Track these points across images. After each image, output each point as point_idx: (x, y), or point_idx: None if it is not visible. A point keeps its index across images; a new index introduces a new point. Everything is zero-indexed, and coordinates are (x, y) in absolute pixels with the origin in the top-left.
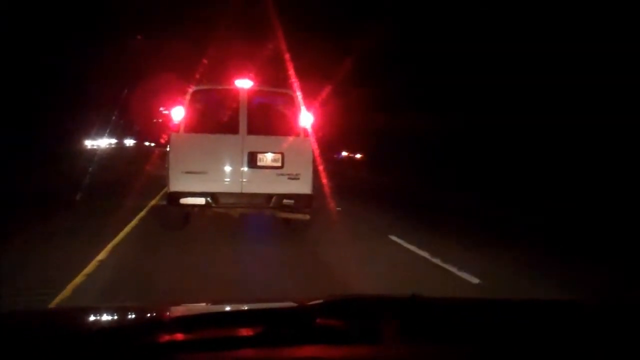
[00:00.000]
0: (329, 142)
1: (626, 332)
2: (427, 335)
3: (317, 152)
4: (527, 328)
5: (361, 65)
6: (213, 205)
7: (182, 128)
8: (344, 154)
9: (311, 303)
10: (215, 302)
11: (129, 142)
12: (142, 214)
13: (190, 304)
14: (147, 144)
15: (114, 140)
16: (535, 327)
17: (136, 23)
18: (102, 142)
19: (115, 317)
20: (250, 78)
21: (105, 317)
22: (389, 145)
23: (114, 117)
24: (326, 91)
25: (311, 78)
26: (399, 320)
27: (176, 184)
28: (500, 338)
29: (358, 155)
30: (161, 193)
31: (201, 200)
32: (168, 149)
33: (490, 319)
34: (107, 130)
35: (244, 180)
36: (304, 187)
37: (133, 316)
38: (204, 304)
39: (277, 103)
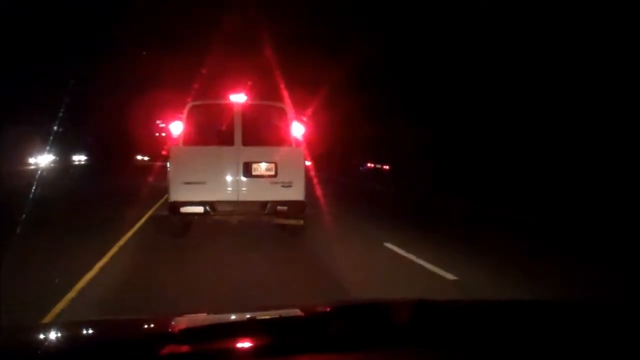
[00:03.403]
0: (349, 152)
1: (626, 332)
2: (436, 339)
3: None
4: (533, 329)
5: (367, 71)
6: (212, 213)
7: (181, 141)
8: (370, 165)
9: (319, 310)
10: (218, 312)
11: (79, 157)
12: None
13: (192, 314)
14: (139, 157)
15: (52, 157)
16: (541, 328)
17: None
18: (42, 159)
19: (115, 330)
20: (244, 93)
21: (104, 331)
22: (419, 154)
23: (55, 127)
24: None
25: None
26: (407, 325)
27: (176, 194)
28: (507, 340)
29: (386, 167)
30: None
31: (200, 209)
32: (168, 162)
33: (497, 321)
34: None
35: (240, 189)
36: (296, 194)
37: (133, 329)
38: (206, 314)
39: (270, 115)
